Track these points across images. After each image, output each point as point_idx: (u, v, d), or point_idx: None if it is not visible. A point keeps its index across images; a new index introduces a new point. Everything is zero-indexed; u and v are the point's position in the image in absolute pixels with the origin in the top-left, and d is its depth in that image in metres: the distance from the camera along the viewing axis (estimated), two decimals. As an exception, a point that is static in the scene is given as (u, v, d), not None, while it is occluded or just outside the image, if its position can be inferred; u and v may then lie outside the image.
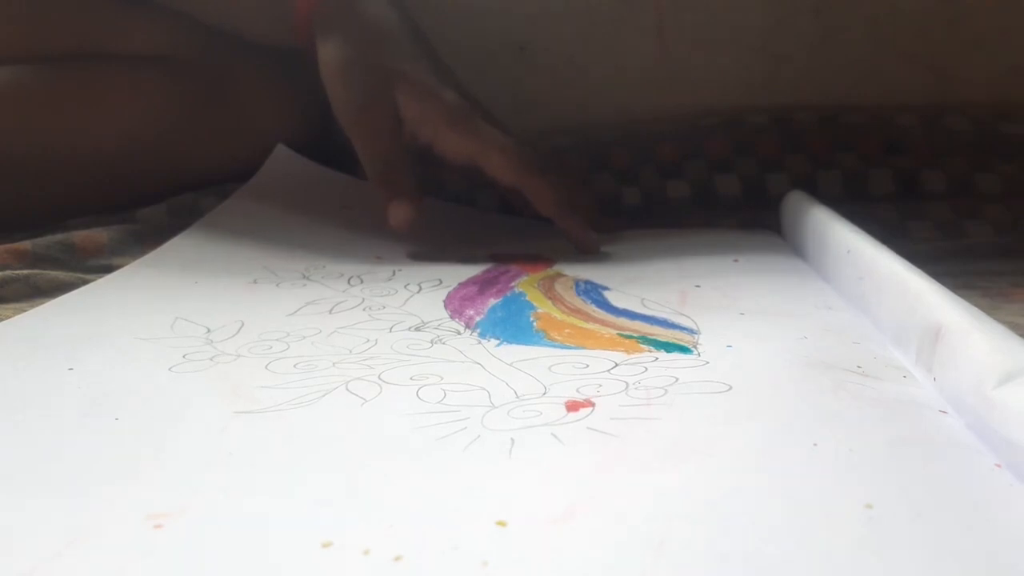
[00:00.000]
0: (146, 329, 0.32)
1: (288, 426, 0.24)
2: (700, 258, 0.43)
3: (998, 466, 0.20)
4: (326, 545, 0.17)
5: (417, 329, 0.33)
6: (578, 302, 0.36)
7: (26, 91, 0.49)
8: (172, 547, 0.18)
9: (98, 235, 0.46)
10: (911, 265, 0.31)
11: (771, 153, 0.56)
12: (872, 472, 0.20)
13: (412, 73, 0.44)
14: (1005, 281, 0.40)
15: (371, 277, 0.41)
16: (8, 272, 0.40)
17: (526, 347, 0.30)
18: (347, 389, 0.26)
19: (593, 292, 0.37)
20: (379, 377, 0.27)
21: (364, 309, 0.36)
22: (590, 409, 0.24)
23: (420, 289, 0.39)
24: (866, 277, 0.33)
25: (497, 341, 0.31)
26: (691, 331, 0.32)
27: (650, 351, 0.30)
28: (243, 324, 0.33)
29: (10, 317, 0.34)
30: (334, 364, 0.29)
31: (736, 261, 0.42)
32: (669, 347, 0.30)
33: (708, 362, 0.28)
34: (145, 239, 0.47)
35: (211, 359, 0.29)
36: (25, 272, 0.40)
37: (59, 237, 0.45)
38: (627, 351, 0.30)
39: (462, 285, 0.39)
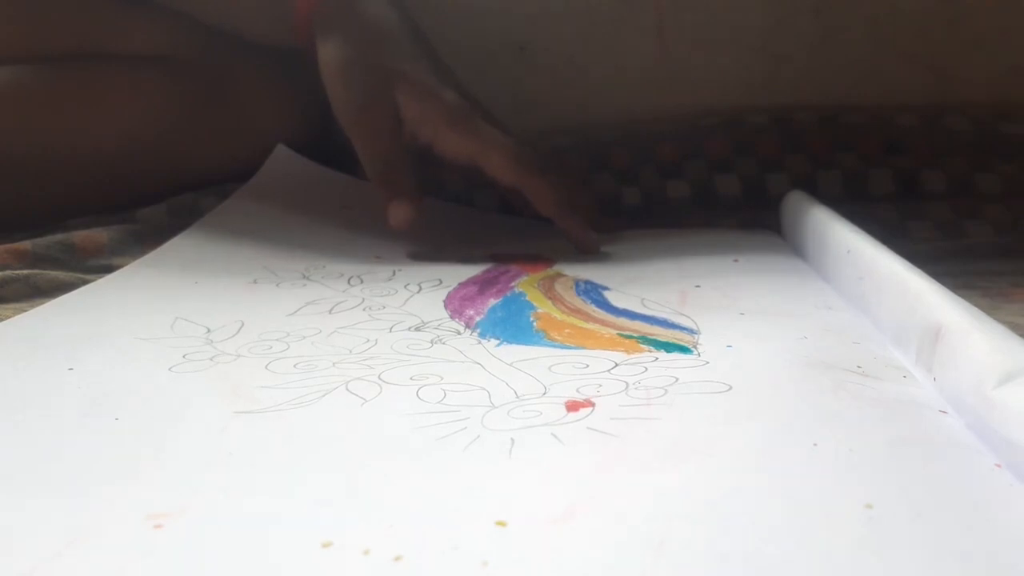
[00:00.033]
0: (146, 329, 0.32)
1: (288, 426, 0.24)
2: (700, 258, 0.43)
3: (998, 466, 0.20)
4: (326, 545, 0.17)
5: (417, 329, 0.33)
6: (578, 302, 0.36)
7: (26, 91, 0.49)
8: (172, 547, 0.18)
9: (98, 235, 0.46)
10: (911, 265, 0.31)
11: (771, 153, 0.56)
12: (872, 472, 0.20)
13: (412, 73, 0.44)
14: (1005, 281, 0.40)
15: (371, 277, 0.41)
16: (8, 272, 0.40)
17: (526, 347, 0.30)
18: (347, 389, 0.26)
19: (593, 292, 0.37)
20: (379, 377, 0.27)
21: (364, 309, 0.36)
22: (590, 409, 0.24)
23: (420, 289, 0.39)
24: (866, 277, 0.33)
25: (497, 341, 0.31)
26: (691, 331, 0.32)
27: (650, 351, 0.30)
28: (243, 324, 0.33)
29: (10, 317, 0.34)
30: (334, 364, 0.29)
31: (736, 261, 0.42)
32: (669, 347, 0.30)
33: (708, 362, 0.28)
34: (145, 239, 0.47)
35: (211, 359, 0.29)
36: (25, 272, 0.40)
37: (59, 237, 0.45)
38: (627, 351, 0.30)
39: (462, 285, 0.39)
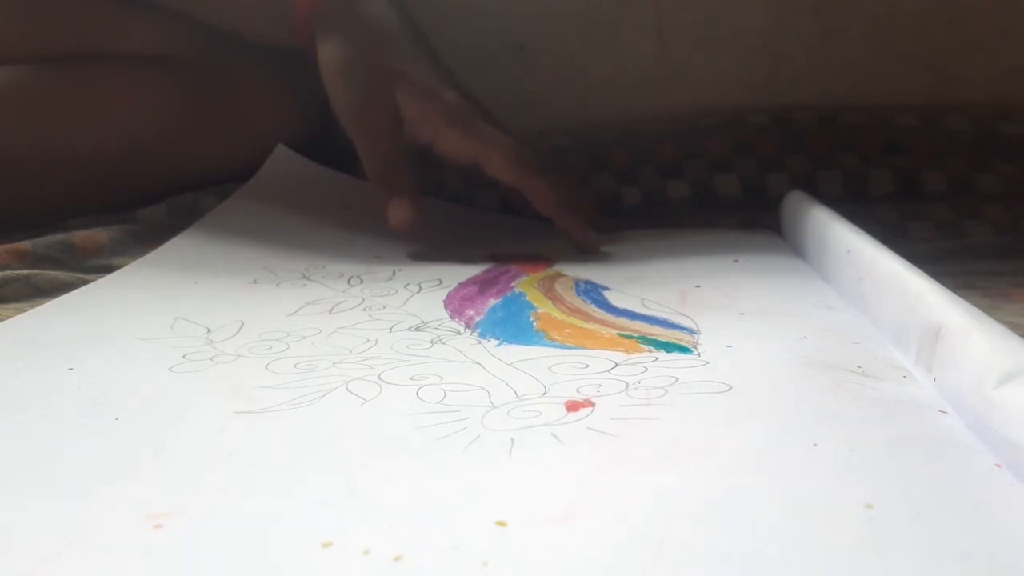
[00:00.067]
0: (146, 329, 0.32)
1: (288, 426, 0.24)
2: (700, 258, 0.43)
3: (998, 466, 0.20)
4: (326, 545, 0.17)
5: (417, 329, 0.33)
6: (578, 302, 0.36)
7: (26, 91, 0.49)
8: (172, 547, 0.18)
9: (98, 235, 0.46)
10: (911, 265, 0.31)
11: (771, 153, 0.56)
12: (872, 472, 0.20)
13: (412, 73, 0.44)
14: (1005, 281, 0.40)
15: (371, 277, 0.41)
16: (8, 272, 0.40)
17: (526, 347, 0.30)
18: (347, 389, 0.26)
19: (593, 292, 0.37)
20: (379, 377, 0.27)
21: (364, 309, 0.36)
22: (590, 409, 0.24)
23: (420, 289, 0.39)
24: (866, 277, 0.33)
25: (497, 341, 0.31)
26: (691, 331, 0.32)
27: (650, 351, 0.30)
28: (243, 324, 0.33)
29: (10, 317, 0.34)
30: (334, 364, 0.29)
31: (736, 261, 0.42)
32: (669, 347, 0.30)
33: (708, 362, 0.28)
34: (145, 239, 0.47)
35: (211, 359, 0.29)
36: (25, 272, 0.40)
37: (59, 237, 0.45)
38: (627, 351, 0.30)
39: (462, 285, 0.39)
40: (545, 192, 0.45)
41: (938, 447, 0.22)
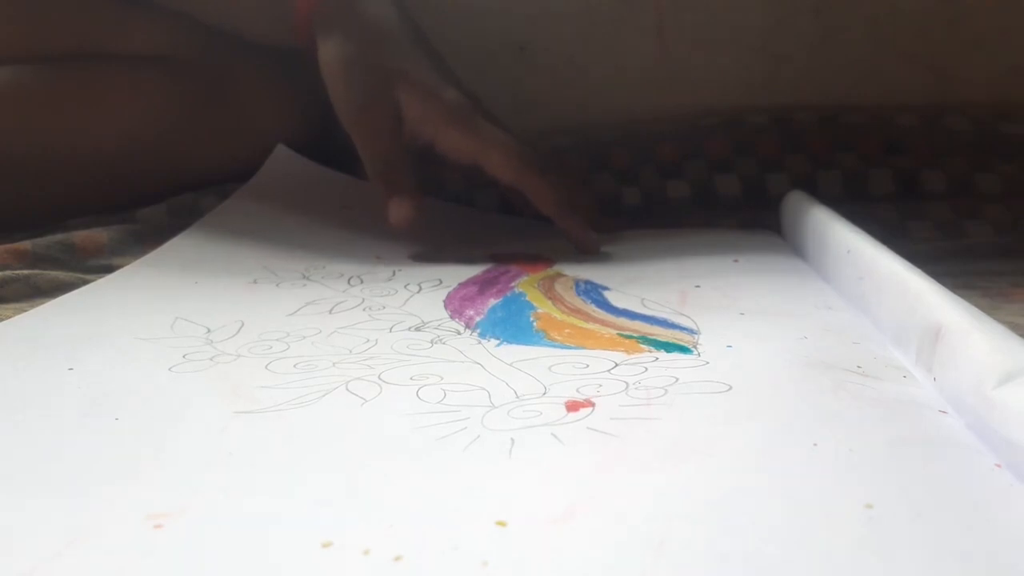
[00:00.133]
0: (146, 329, 0.32)
1: (288, 426, 0.24)
2: (700, 258, 0.43)
3: (998, 466, 0.20)
4: (326, 545, 0.17)
5: (417, 329, 0.33)
6: (578, 302, 0.36)
7: (26, 91, 0.49)
8: (172, 547, 0.18)
9: (98, 235, 0.46)
10: (911, 265, 0.31)
11: (771, 153, 0.56)
12: (872, 472, 0.20)
13: (413, 72, 0.44)
14: (1005, 281, 0.40)
15: (371, 277, 0.41)
16: (8, 272, 0.40)
17: (526, 347, 0.30)
18: (347, 389, 0.26)
19: (593, 292, 0.37)
20: (379, 377, 0.27)
21: (364, 309, 0.36)
22: (590, 409, 0.24)
23: (420, 289, 0.39)
24: (866, 277, 0.33)
25: (497, 341, 0.31)
26: (691, 331, 0.32)
27: (650, 351, 0.30)
28: (243, 324, 0.33)
29: (10, 317, 0.34)
30: (334, 364, 0.29)
31: (736, 261, 0.42)
32: (669, 347, 0.30)
33: (708, 362, 0.28)
34: (145, 239, 0.47)
35: (211, 359, 0.29)
36: (25, 272, 0.40)
37: (59, 237, 0.45)
38: (627, 351, 0.30)
39: (462, 285, 0.39)
40: (545, 192, 0.45)
41: (938, 447, 0.22)
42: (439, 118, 0.44)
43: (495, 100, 0.50)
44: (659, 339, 0.31)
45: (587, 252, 0.45)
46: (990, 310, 0.27)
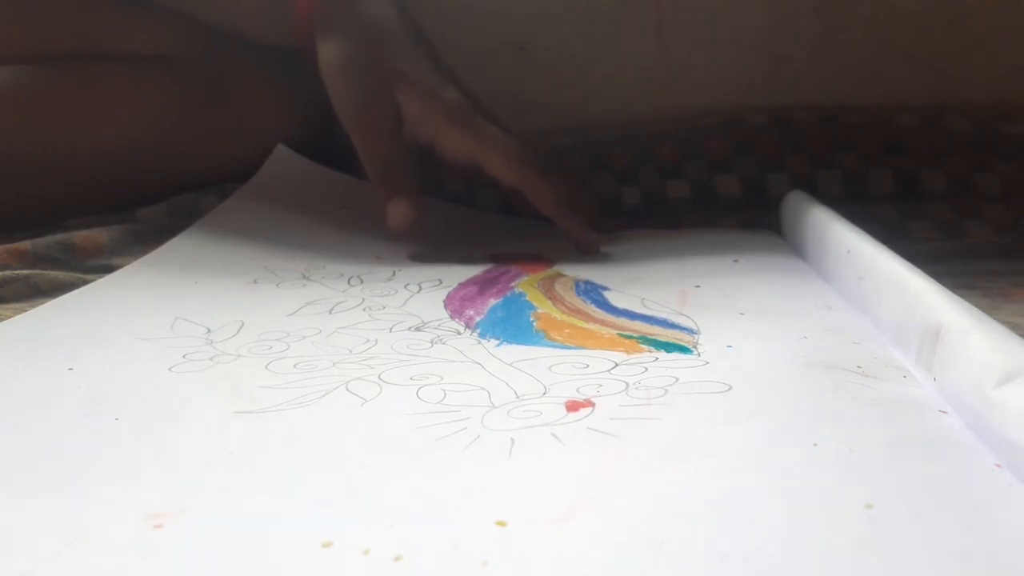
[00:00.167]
0: (146, 329, 0.32)
1: (288, 426, 0.24)
2: (700, 258, 0.43)
3: (998, 466, 0.20)
4: (326, 545, 0.17)
5: (417, 329, 0.33)
6: (578, 302, 0.36)
7: (26, 91, 0.49)
8: (172, 547, 0.18)
9: (98, 235, 0.46)
10: (911, 265, 0.31)
11: (771, 153, 0.56)
12: (872, 472, 0.20)
13: (413, 72, 0.44)
14: (1005, 281, 0.40)
15: (371, 277, 0.41)
16: (8, 272, 0.40)
17: (526, 347, 0.30)
18: (347, 389, 0.26)
19: (593, 292, 0.37)
20: (379, 377, 0.27)
21: (364, 309, 0.36)
22: (590, 409, 0.24)
23: (420, 289, 0.39)
24: (866, 277, 0.33)
25: (497, 341, 0.31)
26: (691, 331, 0.32)
27: (650, 351, 0.30)
28: (243, 324, 0.33)
29: (10, 317, 0.34)
30: (334, 364, 0.29)
31: (736, 261, 0.42)
32: (669, 347, 0.30)
33: (708, 362, 0.28)
34: (145, 239, 0.47)
35: (211, 359, 0.29)
36: (25, 272, 0.40)
37: (59, 237, 0.45)
38: (627, 351, 0.30)
39: (462, 285, 0.39)
40: (545, 192, 0.45)
41: (938, 447, 0.22)
42: (439, 118, 0.44)
43: (495, 100, 0.50)
44: (659, 339, 0.31)
45: (587, 252, 0.45)
46: (990, 310, 0.27)
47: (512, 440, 0.22)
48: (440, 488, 0.20)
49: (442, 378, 0.27)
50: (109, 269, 0.43)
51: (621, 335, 0.31)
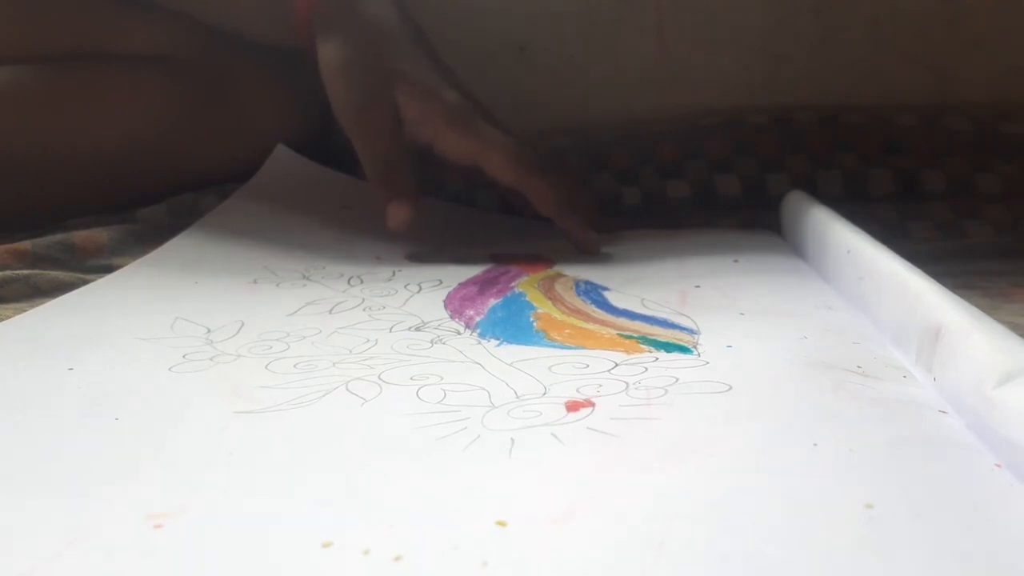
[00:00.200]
0: (146, 329, 0.32)
1: (288, 426, 0.24)
2: (700, 258, 0.43)
3: (998, 466, 0.20)
4: (326, 545, 0.17)
5: (417, 329, 0.33)
6: (578, 302, 0.36)
7: (26, 91, 0.49)
8: (172, 547, 0.18)
9: (98, 235, 0.46)
10: (911, 265, 0.31)
11: (771, 153, 0.56)
12: (872, 472, 0.20)
13: (412, 73, 0.44)
14: (1005, 281, 0.40)
15: (371, 277, 0.41)
16: (8, 272, 0.40)
17: (526, 347, 0.30)
18: (347, 389, 0.26)
19: (593, 292, 0.37)
20: (379, 377, 0.27)
21: (364, 309, 0.36)
22: (590, 409, 0.24)
23: (420, 289, 0.39)
24: (866, 277, 0.33)
25: (497, 341, 0.31)
26: (691, 331, 0.32)
27: (650, 351, 0.30)
28: (243, 324, 0.33)
29: (10, 317, 0.34)
30: (334, 364, 0.29)
31: (736, 261, 0.42)
32: (669, 347, 0.30)
33: (708, 362, 0.28)
34: (145, 239, 0.47)
35: (211, 359, 0.29)
36: (25, 272, 0.40)
37: (59, 237, 0.45)
38: (627, 351, 0.30)
39: (462, 285, 0.39)
40: (545, 192, 0.45)
41: (938, 447, 0.22)
42: (438, 119, 0.44)
43: (495, 100, 0.50)
44: (659, 339, 0.31)
45: (587, 252, 0.45)
46: (990, 310, 0.27)
47: (512, 440, 0.22)
48: (440, 488, 0.20)
49: (442, 378, 0.27)
50: (109, 269, 0.43)
51: (621, 335, 0.31)
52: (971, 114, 0.57)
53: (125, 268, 0.42)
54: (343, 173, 0.54)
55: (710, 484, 0.20)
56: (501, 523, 0.18)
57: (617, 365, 0.28)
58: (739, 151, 0.57)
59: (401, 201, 0.43)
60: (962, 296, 0.27)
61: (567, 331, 0.32)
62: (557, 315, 0.34)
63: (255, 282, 0.40)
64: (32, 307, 0.36)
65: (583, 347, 0.30)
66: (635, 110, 0.59)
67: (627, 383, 0.26)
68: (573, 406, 0.25)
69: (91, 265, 0.44)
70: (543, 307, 0.35)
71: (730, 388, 0.26)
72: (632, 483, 0.20)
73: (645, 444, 0.22)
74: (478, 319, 0.34)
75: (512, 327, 0.33)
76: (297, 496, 0.20)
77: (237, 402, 0.25)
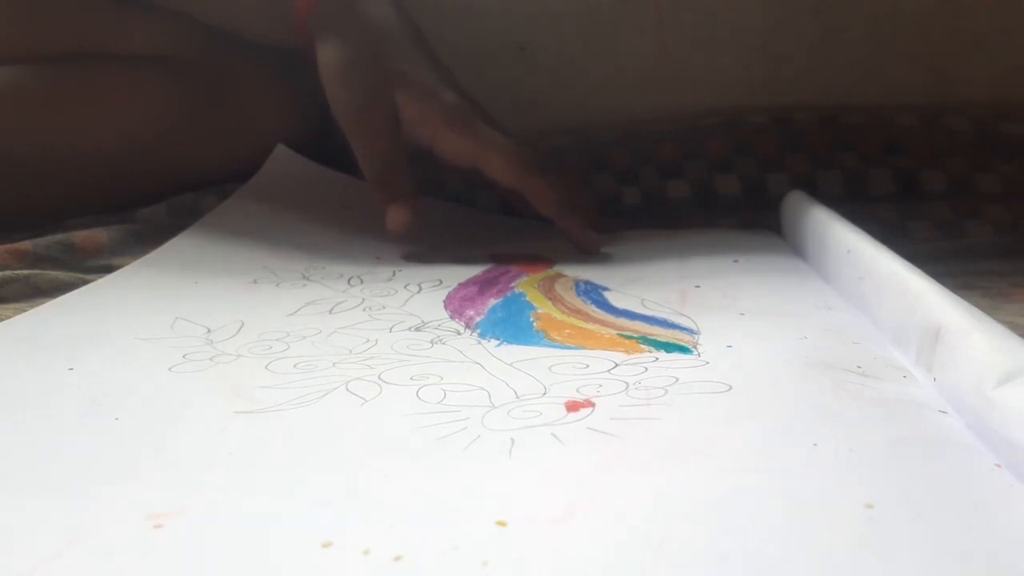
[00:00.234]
0: (146, 329, 0.32)
1: (288, 426, 0.24)
2: (700, 258, 0.43)
3: (998, 466, 0.20)
4: (326, 545, 0.17)
5: (417, 329, 0.33)
6: (578, 302, 0.36)
7: (26, 91, 0.49)
8: (172, 547, 0.18)
9: (98, 235, 0.46)
10: (911, 265, 0.31)
11: (771, 153, 0.56)
12: (872, 472, 0.20)
13: (411, 73, 0.44)
14: (1005, 281, 0.40)
15: (371, 277, 0.41)
16: (8, 272, 0.40)
17: (526, 347, 0.30)
18: (347, 389, 0.26)
19: (593, 292, 0.37)
20: (379, 377, 0.27)
21: (364, 309, 0.36)
22: (590, 409, 0.24)
23: (420, 289, 0.39)
24: (866, 277, 0.33)
25: (497, 341, 0.31)
26: (691, 331, 0.32)
27: (650, 351, 0.30)
28: (243, 324, 0.33)
29: (10, 317, 0.34)
30: (334, 364, 0.29)
31: (736, 261, 0.42)
32: (669, 347, 0.30)
33: (708, 362, 0.28)
34: (145, 239, 0.47)
35: (211, 359, 0.29)
36: (25, 272, 0.40)
37: (59, 237, 0.45)
38: (627, 351, 0.30)
39: (462, 285, 0.39)
40: (545, 192, 0.45)
41: (938, 447, 0.22)
42: (437, 120, 0.44)
43: (495, 100, 0.50)
44: (659, 339, 0.31)
45: (587, 252, 0.45)
46: (990, 310, 0.27)
47: (512, 440, 0.22)
48: (440, 488, 0.20)
49: (442, 378, 0.27)
50: (109, 269, 0.43)
51: (621, 335, 0.31)
52: (971, 114, 0.57)
53: (125, 268, 0.42)
54: (343, 173, 0.54)
55: (710, 484, 0.20)
56: (501, 523, 0.18)
57: (617, 365, 0.28)
58: (739, 151, 0.57)
59: (400, 204, 0.43)
60: (962, 296, 0.27)
61: (567, 331, 0.32)
62: (557, 315, 0.34)
63: (255, 282, 0.40)
64: (32, 307, 0.36)
65: (583, 347, 0.30)
66: (635, 110, 0.59)
67: (627, 383, 0.26)
68: (573, 406, 0.25)
69: (91, 265, 0.44)
70: (543, 307, 0.35)
71: (730, 388, 0.26)
72: (632, 483, 0.20)
73: (645, 444, 0.22)
74: (478, 319, 0.34)
75: (512, 327, 0.33)
76: (297, 496, 0.20)
77: (237, 402, 0.25)
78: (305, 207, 0.50)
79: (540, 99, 0.59)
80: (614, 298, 0.36)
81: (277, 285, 0.40)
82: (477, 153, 0.44)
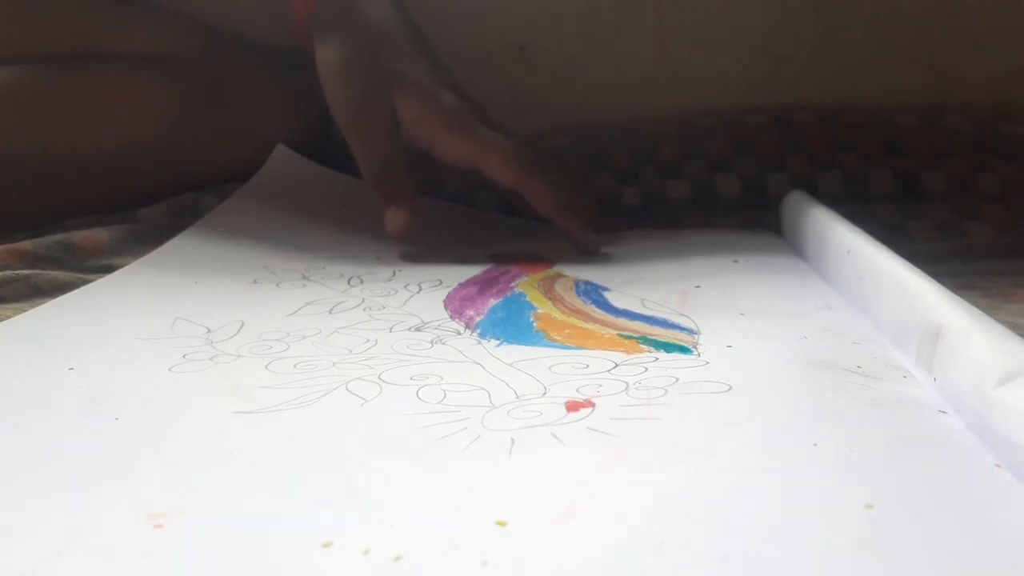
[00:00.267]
0: (146, 329, 0.32)
1: (288, 426, 0.24)
2: (700, 258, 0.43)
3: (998, 466, 0.20)
4: (326, 545, 0.17)
5: (417, 329, 0.33)
6: (578, 302, 0.36)
7: (26, 91, 0.49)
8: (172, 547, 0.18)
9: (98, 235, 0.46)
10: (911, 265, 0.31)
11: (771, 153, 0.56)
12: (872, 472, 0.20)
13: (411, 74, 0.44)
14: (1005, 281, 0.40)
15: (371, 277, 0.41)
16: (8, 272, 0.40)
17: (526, 347, 0.30)
18: (347, 389, 0.26)
19: (593, 292, 0.37)
20: (379, 377, 0.27)
21: (364, 309, 0.36)
22: (590, 409, 0.24)
23: (420, 289, 0.39)
24: (866, 277, 0.33)
25: (497, 341, 0.31)
26: (691, 331, 0.32)
27: (650, 351, 0.30)
28: (243, 324, 0.33)
29: (10, 317, 0.34)
30: (334, 364, 0.29)
31: (736, 261, 0.42)
32: (669, 347, 0.30)
33: (708, 362, 0.28)
34: (145, 239, 0.47)
35: (211, 359, 0.29)
36: (25, 272, 0.40)
37: (59, 237, 0.45)
38: (627, 351, 0.30)
39: (462, 285, 0.39)
40: (545, 193, 0.45)
41: (938, 447, 0.22)
42: (436, 120, 0.44)
43: (495, 100, 0.50)
44: (659, 339, 0.31)
45: (587, 252, 0.45)
46: (990, 310, 0.27)
47: (512, 440, 0.22)
48: (440, 488, 0.20)
49: (442, 378, 0.27)
50: (109, 269, 0.43)
51: (621, 335, 0.31)
52: (971, 114, 0.57)
53: (125, 268, 0.42)
54: (343, 173, 0.54)
55: (710, 484, 0.20)
56: (501, 523, 0.18)
57: (617, 365, 0.28)
58: (739, 151, 0.57)
59: (399, 206, 0.43)
60: (962, 296, 0.27)
61: (567, 331, 0.32)
62: (557, 315, 0.34)
63: (255, 282, 0.40)
64: (32, 307, 0.36)
65: (583, 347, 0.30)
66: (635, 110, 0.59)
67: (627, 383, 0.26)
68: (573, 406, 0.25)
69: (91, 265, 0.44)
70: (543, 307, 0.35)
71: (730, 388, 0.26)
72: (632, 483, 0.20)
73: (645, 444, 0.22)
74: (478, 319, 0.34)
75: (512, 327, 0.33)
76: (297, 496, 0.20)
77: (237, 402, 0.25)
78: (305, 207, 0.50)
79: (540, 99, 0.59)
80: (614, 298, 0.36)
81: (277, 285, 0.40)
82: (476, 154, 0.44)
